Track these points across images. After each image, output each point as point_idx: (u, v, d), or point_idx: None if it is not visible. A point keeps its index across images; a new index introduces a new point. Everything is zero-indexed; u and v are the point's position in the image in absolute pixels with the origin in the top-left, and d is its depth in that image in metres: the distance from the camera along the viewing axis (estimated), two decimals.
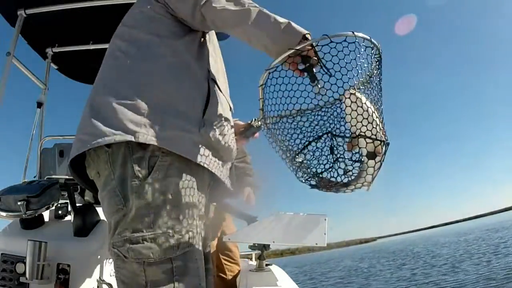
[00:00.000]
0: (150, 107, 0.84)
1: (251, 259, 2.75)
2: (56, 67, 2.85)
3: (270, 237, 1.42)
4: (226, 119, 0.96)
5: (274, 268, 1.88)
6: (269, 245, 1.63)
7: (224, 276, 2.01)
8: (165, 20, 0.96)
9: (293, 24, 0.87)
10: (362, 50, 0.83)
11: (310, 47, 0.84)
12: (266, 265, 1.85)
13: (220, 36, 1.23)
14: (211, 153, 0.90)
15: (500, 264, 9.20)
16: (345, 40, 0.80)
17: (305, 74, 0.87)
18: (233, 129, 1.02)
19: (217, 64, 1.05)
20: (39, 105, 2.64)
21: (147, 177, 0.80)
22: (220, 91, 0.99)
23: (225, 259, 2.03)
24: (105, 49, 1.00)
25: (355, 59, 0.81)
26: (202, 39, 1.02)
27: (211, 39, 1.08)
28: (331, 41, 0.80)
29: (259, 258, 1.80)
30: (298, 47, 0.83)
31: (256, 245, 1.65)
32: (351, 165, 0.88)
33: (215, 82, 0.98)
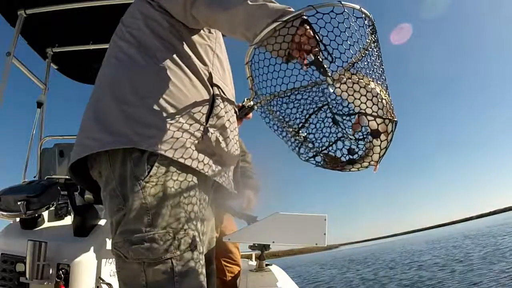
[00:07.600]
0: (152, 114, 0.83)
1: (251, 259, 2.75)
2: (56, 67, 2.85)
3: (270, 237, 1.42)
4: (230, 124, 0.95)
5: (274, 268, 1.88)
6: (269, 245, 1.63)
7: (224, 278, 2.00)
8: (165, 21, 0.93)
9: (289, 9, 0.80)
10: (353, 21, 0.76)
11: (308, 31, 0.77)
12: (266, 265, 1.85)
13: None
14: (213, 160, 0.90)
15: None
16: (332, 11, 0.74)
17: (311, 66, 0.81)
18: (237, 135, 1.01)
19: (223, 66, 1.02)
20: (39, 105, 2.64)
21: (146, 176, 0.80)
22: (225, 95, 0.97)
23: (225, 261, 2.01)
24: (105, 49, 0.99)
25: (345, 31, 0.75)
26: (208, 40, 0.99)
27: (217, 36, 1.03)
28: (317, 12, 0.74)
29: (259, 258, 1.80)
30: (284, 19, 0.76)
31: (256, 245, 1.65)
32: (355, 144, 0.84)
33: (220, 87, 0.95)
